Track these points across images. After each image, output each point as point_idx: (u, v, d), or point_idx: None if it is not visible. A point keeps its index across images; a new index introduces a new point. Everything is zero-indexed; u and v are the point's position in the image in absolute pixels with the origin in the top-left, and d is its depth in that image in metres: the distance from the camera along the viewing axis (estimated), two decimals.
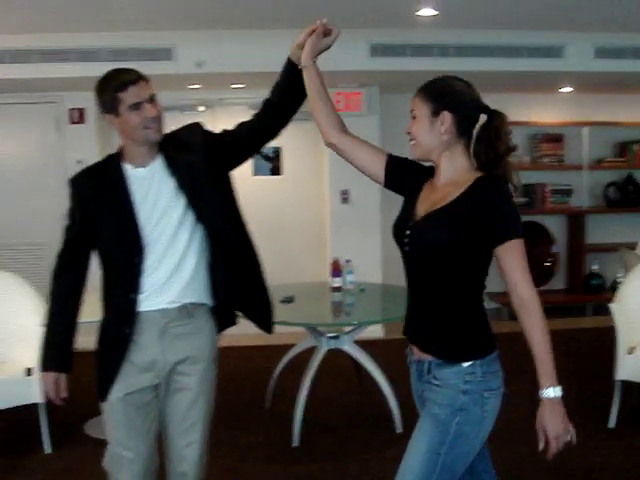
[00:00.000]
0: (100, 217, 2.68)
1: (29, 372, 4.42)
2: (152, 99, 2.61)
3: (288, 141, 7.64)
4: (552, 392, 2.19)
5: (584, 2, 5.25)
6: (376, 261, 7.16)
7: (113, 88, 2.57)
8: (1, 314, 4.74)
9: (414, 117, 2.46)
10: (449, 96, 2.40)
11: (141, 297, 2.66)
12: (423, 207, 2.40)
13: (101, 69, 6.12)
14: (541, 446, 2.19)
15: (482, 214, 2.23)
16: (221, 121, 7.38)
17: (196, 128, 2.79)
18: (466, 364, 2.31)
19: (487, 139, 2.34)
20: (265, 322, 2.95)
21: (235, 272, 2.81)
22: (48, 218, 6.95)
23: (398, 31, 6.01)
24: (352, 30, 5.91)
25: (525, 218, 8.25)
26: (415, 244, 2.38)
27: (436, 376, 2.37)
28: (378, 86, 7.12)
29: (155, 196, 2.65)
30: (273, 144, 7.66)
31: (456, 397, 2.31)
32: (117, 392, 2.70)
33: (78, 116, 6.89)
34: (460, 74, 5.96)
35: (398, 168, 2.62)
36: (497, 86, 7.41)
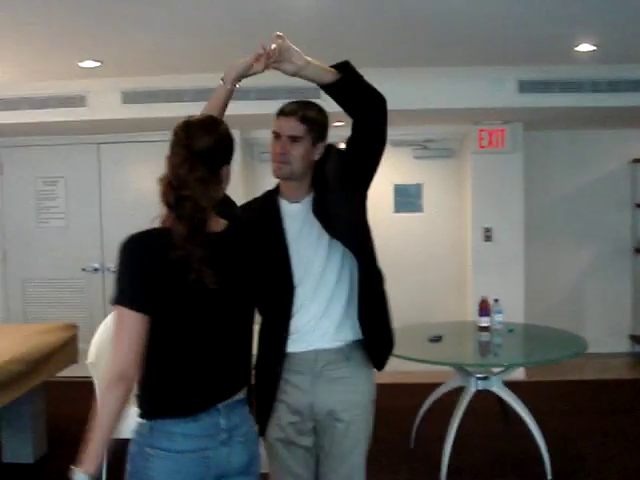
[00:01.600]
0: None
1: None
2: (293, 139, 2.57)
3: (430, 177, 7.64)
4: None
5: None
6: (519, 299, 7.00)
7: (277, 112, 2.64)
8: None
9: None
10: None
11: (293, 337, 2.63)
12: None
13: (249, 108, 6.34)
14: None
15: None
16: None
17: (335, 154, 2.70)
18: None
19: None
20: (380, 358, 2.79)
21: (370, 306, 2.71)
22: None
23: (549, 67, 5.91)
24: (501, 67, 5.91)
25: None
26: None
27: None
28: (522, 122, 7.01)
29: (308, 232, 2.62)
30: (415, 180, 7.74)
31: None
32: (275, 433, 2.70)
33: None
34: (612, 110, 5.83)
35: None
36: None
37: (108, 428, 2.12)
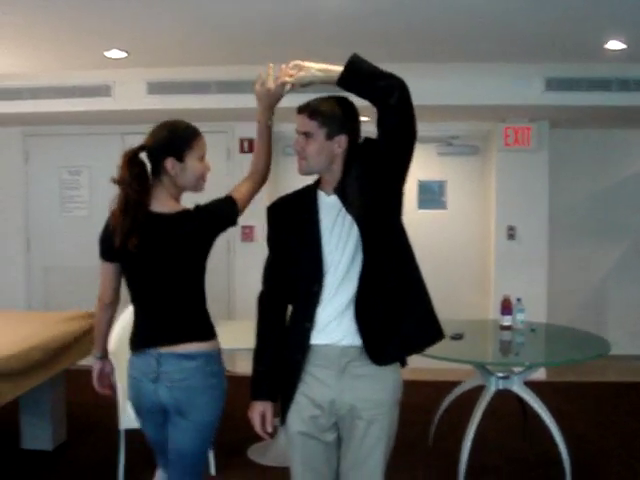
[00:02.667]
0: (289, 242, 2.70)
1: None
2: (307, 136, 2.61)
3: (454, 174, 7.61)
4: None
5: None
6: (542, 299, 6.95)
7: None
8: None
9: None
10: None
11: (318, 329, 2.62)
12: None
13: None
14: None
15: None
16: None
17: (366, 142, 2.67)
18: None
19: None
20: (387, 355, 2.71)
21: (370, 302, 2.64)
22: (214, 244, 7.21)
23: (577, 65, 5.85)
24: (528, 64, 5.86)
25: None
26: None
27: None
28: (548, 121, 6.96)
29: (341, 223, 2.61)
30: (439, 177, 7.71)
31: None
32: (296, 425, 2.68)
33: (248, 146, 7.11)
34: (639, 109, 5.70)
35: None
36: None
37: (101, 333, 3.29)
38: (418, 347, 2.78)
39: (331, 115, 2.60)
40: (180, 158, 2.83)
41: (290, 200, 2.80)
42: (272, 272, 2.78)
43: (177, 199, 2.92)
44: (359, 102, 2.64)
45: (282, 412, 2.71)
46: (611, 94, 5.94)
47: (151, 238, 2.79)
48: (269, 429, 2.73)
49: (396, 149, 2.58)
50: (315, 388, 2.65)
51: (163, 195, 2.86)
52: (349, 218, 2.60)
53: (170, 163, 2.81)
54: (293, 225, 2.70)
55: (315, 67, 2.63)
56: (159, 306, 2.90)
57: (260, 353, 2.77)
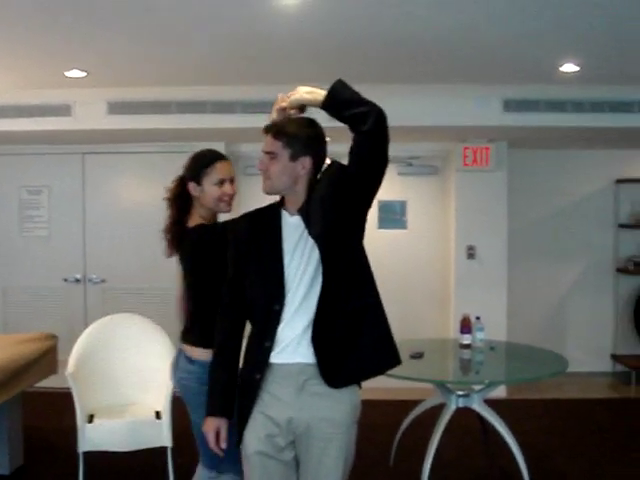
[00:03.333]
0: (249, 260, 2.70)
1: (158, 415, 4.52)
2: (268, 153, 2.65)
3: (414, 194, 7.67)
4: None
5: None
6: (501, 317, 7.02)
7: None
8: (133, 357, 4.87)
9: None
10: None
11: (278, 348, 2.63)
12: None
13: (235, 121, 6.33)
14: None
15: None
16: None
17: (333, 166, 2.70)
18: None
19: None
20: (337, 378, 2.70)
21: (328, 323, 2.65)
22: (174, 264, 7.15)
23: (534, 87, 5.96)
24: (486, 86, 5.94)
25: None
26: None
27: None
28: (507, 141, 7.06)
29: (303, 244, 2.63)
30: (399, 197, 7.78)
31: None
32: (253, 445, 2.66)
33: None
34: (594, 130, 5.90)
35: None
36: (631, 142, 7.23)
37: None
38: (373, 372, 2.75)
39: (296, 136, 2.63)
40: (198, 182, 3.16)
41: (252, 217, 2.81)
42: (230, 290, 2.78)
43: (208, 218, 3.20)
44: (325, 123, 2.67)
45: (239, 432, 2.70)
46: (566, 115, 6.05)
47: (180, 250, 3.23)
48: (223, 445, 2.73)
49: (366, 174, 2.62)
50: (273, 406, 2.65)
51: (194, 213, 3.21)
52: (310, 239, 2.61)
53: (191, 186, 3.17)
54: (254, 243, 2.71)
55: (303, 90, 2.67)
56: (188, 308, 3.28)
57: (216, 368, 2.78)
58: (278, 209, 2.74)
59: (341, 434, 2.68)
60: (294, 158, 2.63)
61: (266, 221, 2.73)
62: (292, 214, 2.69)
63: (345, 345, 2.65)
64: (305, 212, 2.63)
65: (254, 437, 2.66)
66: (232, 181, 3.19)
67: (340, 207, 2.63)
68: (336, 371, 2.64)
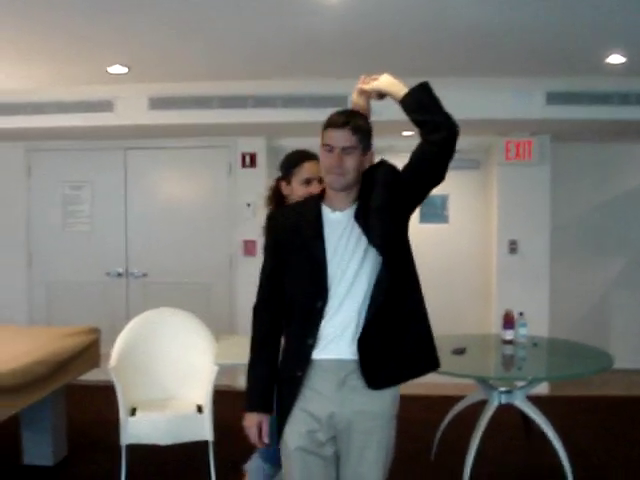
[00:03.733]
0: (291, 253, 2.69)
1: (200, 409, 4.55)
2: (347, 152, 2.61)
3: (456, 188, 7.60)
4: None
5: None
6: (544, 313, 6.94)
7: (324, 124, 2.66)
8: (175, 351, 4.92)
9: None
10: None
11: (319, 345, 2.62)
12: None
13: (276, 115, 6.37)
14: None
15: None
16: None
17: (386, 167, 2.72)
18: None
19: None
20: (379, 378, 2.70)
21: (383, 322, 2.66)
22: (215, 259, 7.24)
23: (578, 79, 5.86)
24: (529, 78, 5.87)
25: None
26: None
27: None
28: (550, 134, 6.96)
29: (345, 242, 2.62)
30: (441, 191, 7.74)
31: None
32: (294, 441, 2.66)
33: (250, 160, 7.13)
34: None
35: None
36: None
37: None
38: (413, 376, 2.74)
39: (367, 131, 2.68)
40: (288, 181, 3.37)
41: (292, 212, 2.81)
42: (270, 283, 2.77)
43: None
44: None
45: (279, 429, 2.70)
46: (612, 108, 5.94)
47: None
48: (266, 440, 2.73)
49: (420, 184, 2.67)
50: (314, 401, 2.64)
51: None
52: (353, 236, 2.62)
53: (282, 185, 3.40)
54: (296, 238, 2.69)
55: (388, 80, 2.73)
56: None
57: (255, 364, 2.77)
58: (319, 204, 2.72)
59: (381, 427, 2.68)
60: (365, 152, 2.66)
61: (307, 216, 2.71)
62: (334, 210, 2.67)
63: (389, 347, 2.64)
64: (362, 219, 2.62)
65: (295, 433, 2.66)
66: (320, 181, 3.10)
67: (397, 217, 2.67)
68: (377, 373, 2.63)
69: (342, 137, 2.59)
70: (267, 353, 2.76)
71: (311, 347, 2.62)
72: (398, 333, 2.66)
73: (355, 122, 2.62)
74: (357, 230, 2.62)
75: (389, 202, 2.63)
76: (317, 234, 2.65)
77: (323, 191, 2.75)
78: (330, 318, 2.62)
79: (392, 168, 2.69)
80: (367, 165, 2.68)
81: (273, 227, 2.81)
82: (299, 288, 2.68)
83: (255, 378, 2.76)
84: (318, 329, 2.62)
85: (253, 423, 2.71)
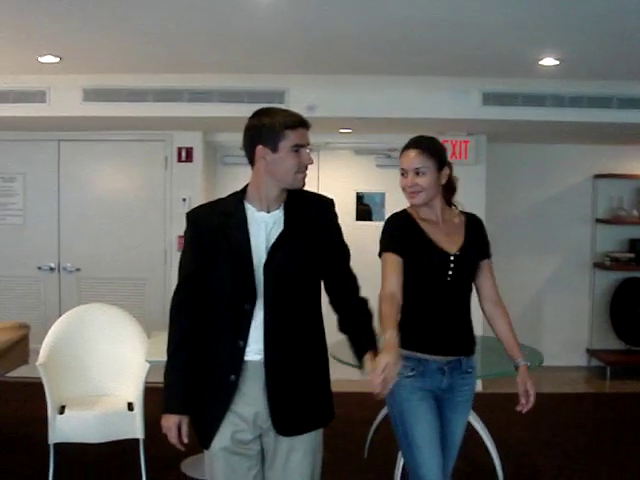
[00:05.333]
0: (216, 254, 2.62)
1: (131, 407, 4.48)
2: (310, 148, 2.64)
3: (393, 187, 7.61)
4: (523, 361, 3.22)
5: None
6: (477, 311, 6.95)
7: (284, 123, 2.57)
8: (106, 348, 4.83)
9: (422, 173, 3.08)
10: (445, 155, 3.19)
11: (249, 347, 2.59)
12: (447, 243, 3.15)
13: (212, 110, 6.29)
14: (523, 402, 3.10)
15: (482, 240, 3.36)
16: (325, 165, 7.48)
17: (329, 207, 2.74)
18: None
19: (449, 183, 3.22)
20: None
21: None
22: (150, 254, 7.15)
23: (513, 80, 5.92)
24: (465, 79, 5.91)
25: (631, 274, 8.06)
26: (460, 271, 3.15)
27: (469, 365, 3.24)
28: (486, 135, 7.05)
29: (270, 240, 2.60)
30: (378, 190, 7.73)
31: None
32: (220, 442, 2.63)
33: (186, 155, 7.06)
34: (573, 125, 5.88)
35: (403, 250, 3.09)
36: (609, 137, 7.24)
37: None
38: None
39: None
40: None
41: (214, 208, 2.74)
42: (190, 284, 2.69)
43: None
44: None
45: (207, 432, 2.66)
46: (546, 110, 6.03)
47: None
48: (185, 440, 2.66)
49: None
50: (239, 402, 2.61)
51: None
52: (275, 234, 2.60)
53: None
54: (220, 235, 2.62)
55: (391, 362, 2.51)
56: None
57: (173, 367, 2.69)
58: (241, 201, 2.68)
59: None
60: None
61: (230, 214, 2.66)
62: (259, 209, 2.64)
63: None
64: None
65: (220, 434, 2.63)
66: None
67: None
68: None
69: (307, 136, 2.66)
70: (186, 355, 2.67)
71: (242, 349, 2.59)
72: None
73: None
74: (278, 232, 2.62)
75: (312, 244, 2.66)
76: (243, 233, 2.61)
77: (245, 188, 2.71)
78: (258, 319, 2.59)
79: (334, 214, 2.77)
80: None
81: (196, 225, 2.70)
82: (226, 290, 2.62)
83: (173, 381, 2.68)
84: (248, 331, 2.59)
85: (171, 424, 2.64)
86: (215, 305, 2.66)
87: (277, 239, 2.59)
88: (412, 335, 3.05)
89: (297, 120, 2.60)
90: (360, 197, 7.67)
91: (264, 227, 2.62)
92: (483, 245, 3.33)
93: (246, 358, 2.60)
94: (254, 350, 2.59)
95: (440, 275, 3.11)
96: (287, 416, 2.61)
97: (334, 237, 2.73)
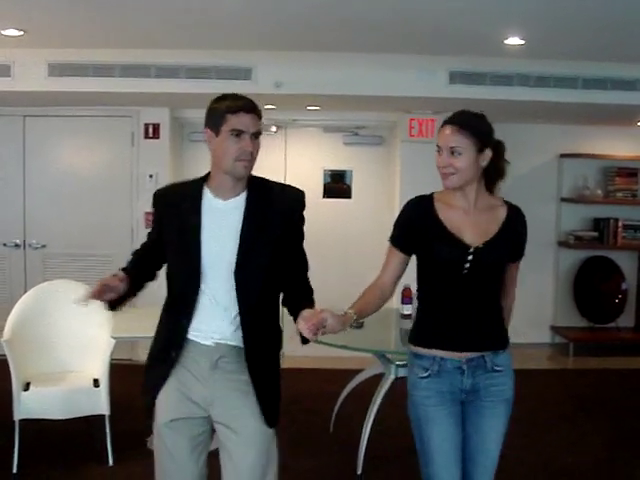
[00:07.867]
0: (169, 236, 2.70)
1: (96, 383, 4.48)
2: (256, 136, 2.61)
3: (359, 164, 7.66)
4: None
5: None
6: None
7: (226, 107, 2.58)
8: (71, 324, 4.80)
9: (459, 153, 2.74)
10: (489, 135, 2.83)
11: (193, 325, 2.64)
12: (472, 234, 2.84)
13: (180, 86, 6.23)
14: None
15: (519, 238, 3.01)
16: (292, 142, 7.48)
17: (300, 201, 2.77)
18: (507, 347, 2.98)
19: (495, 166, 2.87)
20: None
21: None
22: (116, 231, 7.11)
23: (480, 59, 5.94)
24: (431, 57, 5.92)
25: (595, 253, 8.16)
26: (479, 266, 2.81)
27: (497, 364, 2.96)
28: (452, 113, 7.07)
29: (224, 231, 2.63)
30: (345, 167, 7.76)
31: (513, 376, 3.06)
32: (165, 417, 2.67)
33: (152, 131, 7.02)
34: (539, 105, 5.91)
35: (407, 244, 3.08)
36: (575, 117, 7.31)
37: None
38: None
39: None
40: None
41: (176, 190, 2.80)
42: (149, 248, 2.85)
43: None
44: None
45: (148, 402, 2.71)
46: (512, 89, 6.05)
47: None
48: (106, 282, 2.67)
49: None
50: (188, 383, 2.65)
51: None
52: (235, 227, 2.61)
53: None
54: (174, 218, 2.69)
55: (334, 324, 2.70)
56: None
57: (132, 257, 2.87)
58: (200, 187, 2.70)
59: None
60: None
61: (188, 198, 2.70)
62: (216, 196, 2.67)
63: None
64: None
65: (167, 411, 2.67)
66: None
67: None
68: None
69: (253, 122, 2.60)
70: (142, 253, 2.87)
71: (185, 328, 2.64)
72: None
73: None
74: (238, 224, 2.62)
75: (279, 234, 2.69)
76: (195, 220, 2.64)
77: (208, 174, 2.73)
78: (206, 304, 2.63)
79: (302, 209, 2.78)
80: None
81: (158, 204, 2.79)
82: (175, 268, 2.71)
83: (128, 262, 2.84)
84: (192, 312, 2.63)
85: (110, 275, 2.68)
86: (169, 282, 2.74)
87: (229, 229, 2.63)
88: (426, 330, 2.97)
89: (240, 105, 2.58)
90: (341, 175, 7.73)
91: (219, 215, 2.65)
92: (517, 245, 3.02)
93: (192, 337, 2.65)
94: (200, 332, 2.64)
95: (455, 268, 2.83)
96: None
97: (296, 243, 2.78)
